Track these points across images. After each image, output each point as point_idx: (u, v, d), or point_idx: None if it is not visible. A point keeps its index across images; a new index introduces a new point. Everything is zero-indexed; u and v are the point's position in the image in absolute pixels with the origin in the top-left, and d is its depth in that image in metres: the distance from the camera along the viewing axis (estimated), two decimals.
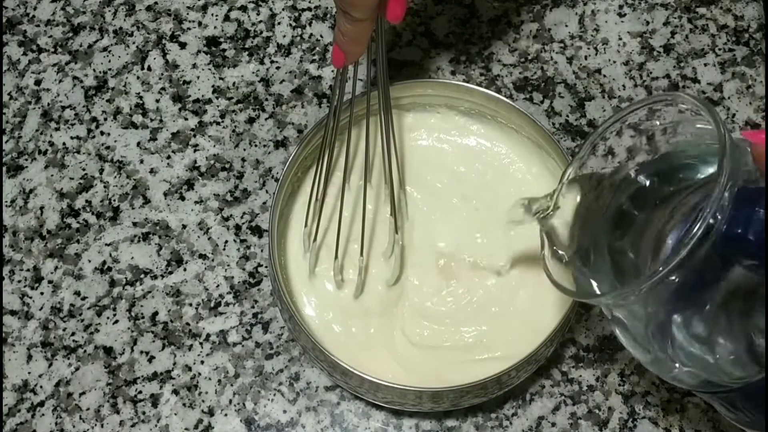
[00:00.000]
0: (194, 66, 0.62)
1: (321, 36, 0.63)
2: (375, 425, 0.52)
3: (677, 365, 0.35)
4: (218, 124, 0.60)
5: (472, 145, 0.56)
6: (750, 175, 0.34)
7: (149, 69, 0.62)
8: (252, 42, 0.63)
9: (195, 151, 0.59)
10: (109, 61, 0.62)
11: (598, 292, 0.38)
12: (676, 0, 0.64)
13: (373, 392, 0.47)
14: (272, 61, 0.62)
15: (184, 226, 0.57)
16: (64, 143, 0.60)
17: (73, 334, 0.55)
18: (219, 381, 0.53)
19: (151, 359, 0.54)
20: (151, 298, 0.55)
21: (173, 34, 0.63)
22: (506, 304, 0.51)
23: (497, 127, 0.55)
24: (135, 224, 0.57)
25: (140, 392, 0.53)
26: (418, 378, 0.50)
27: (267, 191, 0.58)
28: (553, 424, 0.53)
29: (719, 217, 0.32)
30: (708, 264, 0.33)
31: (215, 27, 0.63)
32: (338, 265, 0.51)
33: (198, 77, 0.62)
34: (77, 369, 0.54)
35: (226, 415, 0.53)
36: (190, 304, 0.55)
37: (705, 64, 0.62)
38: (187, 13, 0.64)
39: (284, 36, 0.63)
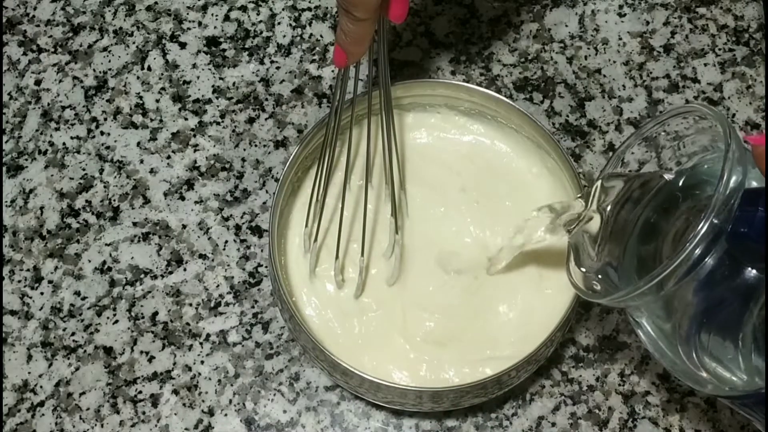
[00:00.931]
0: (194, 66, 0.62)
1: (321, 36, 0.63)
2: (375, 425, 0.52)
3: (702, 372, 0.35)
4: (218, 124, 0.60)
5: (472, 144, 0.56)
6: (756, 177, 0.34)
7: (149, 69, 0.62)
8: (252, 42, 0.63)
9: (195, 151, 0.59)
10: (109, 61, 0.62)
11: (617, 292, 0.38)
12: (676, 0, 0.64)
13: (373, 392, 0.47)
14: (272, 61, 0.62)
15: (184, 226, 0.57)
16: (64, 143, 0.60)
17: (73, 334, 0.55)
18: (219, 381, 0.53)
19: (151, 359, 0.54)
20: (151, 298, 0.55)
21: (173, 34, 0.63)
22: (506, 301, 0.51)
23: (497, 126, 0.55)
24: (135, 224, 0.57)
25: (140, 392, 0.53)
26: (418, 377, 0.50)
27: (267, 191, 0.58)
28: (553, 424, 0.53)
29: (723, 216, 0.32)
30: (723, 267, 0.34)
31: (215, 27, 0.63)
32: (339, 265, 0.51)
33: (198, 77, 0.62)
34: (77, 369, 0.54)
35: (226, 415, 0.53)
36: (190, 304, 0.55)
37: (705, 64, 0.62)
38: (187, 13, 0.64)
39: (284, 36, 0.63)
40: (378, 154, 0.52)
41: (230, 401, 0.53)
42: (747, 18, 0.63)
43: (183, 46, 0.63)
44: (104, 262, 0.56)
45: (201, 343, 0.54)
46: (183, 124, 0.60)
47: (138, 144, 0.60)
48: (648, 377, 0.54)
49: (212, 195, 0.58)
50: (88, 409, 0.53)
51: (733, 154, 0.33)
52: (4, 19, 0.64)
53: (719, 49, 0.62)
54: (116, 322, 0.55)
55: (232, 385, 0.53)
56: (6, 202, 0.58)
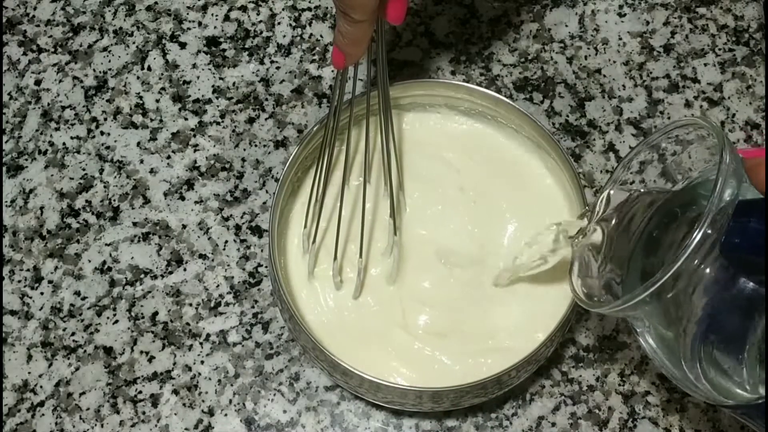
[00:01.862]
0: (194, 66, 0.62)
1: (321, 36, 0.63)
2: (375, 425, 0.52)
3: (702, 382, 0.36)
4: (218, 124, 0.60)
5: (471, 144, 0.56)
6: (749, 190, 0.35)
7: (149, 69, 0.62)
8: (252, 42, 0.63)
9: (195, 151, 0.59)
10: (109, 61, 0.62)
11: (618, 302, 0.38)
12: (676, 0, 0.64)
13: (373, 392, 0.48)
14: (272, 61, 0.62)
15: (184, 226, 0.57)
16: (64, 143, 0.60)
17: (73, 334, 0.55)
18: (219, 381, 0.53)
19: (151, 359, 0.54)
20: (151, 298, 0.55)
21: (173, 34, 0.63)
22: (507, 292, 0.51)
23: (497, 126, 0.55)
24: (135, 224, 0.57)
25: (140, 392, 0.53)
26: (418, 377, 0.50)
27: (267, 191, 0.58)
28: (553, 424, 0.53)
29: (717, 227, 0.33)
30: (724, 278, 0.34)
31: (215, 27, 0.63)
32: (337, 266, 0.51)
33: (198, 77, 0.62)
34: (77, 369, 0.54)
35: (226, 415, 0.53)
36: (190, 304, 0.55)
37: (705, 64, 0.62)
38: (187, 13, 0.64)
39: (284, 36, 0.63)
40: (377, 154, 0.52)
41: (230, 401, 0.53)
42: (747, 18, 0.63)
43: (183, 46, 0.63)
44: (104, 262, 0.56)
45: (201, 343, 0.54)
46: (183, 124, 0.60)
47: (138, 144, 0.60)
48: (648, 377, 0.54)
49: (212, 195, 0.58)
50: (88, 409, 0.53)
51: (727, 166, 0.34)
52: (4, 19, 0.64)
53: (719, 49, 0.62)
54: (116, 322, 0.55)
55: (232, 385, 0.53)
56: (6, 202, 0.58)
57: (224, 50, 0.62)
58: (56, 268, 0.56)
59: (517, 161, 0.55)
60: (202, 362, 0.54)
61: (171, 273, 0.56)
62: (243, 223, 0.57)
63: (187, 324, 0.55)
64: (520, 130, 0.54)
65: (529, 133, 0.54)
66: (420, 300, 0.52)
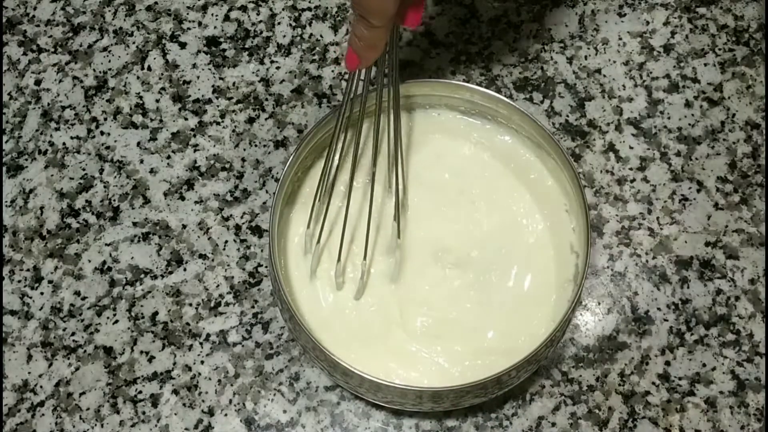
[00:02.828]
0: (194, 66, 0.62)
1: (321, 36, 0.63)
2: (375, 425, 0.52)
3: None
4: (218, 124, 0.60)
5: (472, 144, 0.56)
6: None
7: (149, 69, 0.62)
8: (252, 42, 0.63)
9: (195, 151, 0.59)
10: (109, 61, 0.62)
11: None
12: (676, 0, 0.64)
13: (373, 392, 0.47)
14: (272, 61, 0.62)
15: (184, 226, 0.57)
16: (64, 143, 0.60)
17: (73, 334, 0.55)
18: (219, 381, 0.53)
19: (151, 359, 0.54)
20: (151, 298, 0.55)
21: (173, 34, 0.63)
22: (505, 293, 0.51)
23: (497, 126, 0.55)
24: (135, 224, 0.57)
25: (140, 392, 0.53)
26: (418, 377, 0.50)
27: (267, 191, 0.58)
28: (553, 424, 0.53)
29: None
30: None
31: (215, 27, 0.63)
32: (340, 267, 0.51)
33: (198, 77, 0.62)
34: (77, 369, 0.54)
35: (226, 415, 0.53)
36: (190, 304, 0.55)
37: (705, 64, 0.62)
38: (187, 13, 0.64)
39: (284, 36, 0.63)
40: (382, 157, 0.53)
41: (230, 401, 0.53)
42: (747, 18, 0.63)
43: (183, 46, 0.63)
44: (104, 262, 0.56)
45: (201, 343, 0.54)
46: (183, 124, 0.60)
47: (138, 144, 0.60)
48: (648, 377, 0.54)
49: (212, 195, 0.58)
50: (88, 409, 0.53)
51: None
52: (4, 19, 0.64)
53: (719, 49, 0.62)
54: (116, 322, 0.55)
55: (232, 385, 0.53)
56: (6, 202, 0.58)
57: (224, 50, 0.62)
58: (56, 268, 0.56)
59: (517, 161, 0.55)
60: (202, 362, 0.54)
61: (171, 273, 0.56)
62: (243, 223, 0.57)
63: (187, 324, 0.55)
64: (520, 130, 0.54)
65: (529, 133, 0.54)
66: (420, 301, 0.52)
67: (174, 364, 0.54)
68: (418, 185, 0.54)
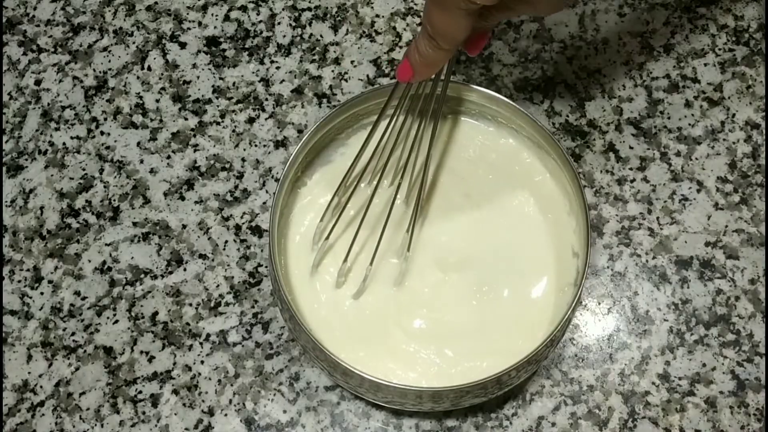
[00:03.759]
0: (194, 66, 0.62)
1: (321, 36, 0.63)
2: (375, 425, 0.52)
3: None
4: (218, 124, 0.60)
5: (472, 144, 0.56)
6: None
7: (149, 69, 0.62)
8: (252, 42, 0.63)
9: (195, 151, 0.59)
10: (109, 61, 0.62)
11: None
12: (676, 0, 0.64)
13: (373, 392, 0.47)
14: (272, 61, 0.62)
15: (184, 226, 0.57)
16: (64, 143, 0.60)
17: (73, 334, 0.55)
18: (219, 381, 0.53)
19: (151, 359, 0.54)
20: (151, 298, 0.55)
21: (173, 34, 0.63)
22: (506, 297, 0.51)
23: (497, 126, 0.55)
24: (135, 224, 0.57)
25: (140, 392, 0.53)
26: (418, 372, 0.50)
27: (267, 191, 0.58)
28: (553, 424, 0.53)
29: None
30: None
31: (215, 27, 0.63)
32: (345, 268, 0.51)
33: (198, 77, 0.62)
34: (77, 369, 0.54)
35: (226, 415, 0.53)
36: (190, 304, 0.55)
37: (705, 64, 0.62)
38: (187, 13, 0.64)
39: (284, 36, 0.63)
40: (396, 162, 0.53)
41: (230, 401, 0.53)
42: (747, 18, 0.63)
43: (183, 46, 0.63)
44: (104, 262, 0.56)
45: (201, 343, 0.54)
46: (183, 124, 0.60)
47: (138, 144, 0.60)
48: (648, 377, 0.54)
49: (212, 195, 0.58)
50: (88, 409, 0.53)
51: None
52: (4, 19, 0.64)
53: (719, 49, 0.62)
54: (116, 322, 0.55)
55: (232, 385, 0.53)
56: (6, 202, 0.58)
57: (224, 50, 0.62)
58: (56, 268, 0.56)
59: (517, 161, 0.55)
60: (202, 362, 0.54)
61: (171, 273, 0.56)
62: (243, 223, 0.57)
63: (187, 324, 0.55)
64: (520, 130, 0.54)
65: (529, 133, 0.54)
66: (420, 302, 0.51)
67: (174, 364, 0.54)
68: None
